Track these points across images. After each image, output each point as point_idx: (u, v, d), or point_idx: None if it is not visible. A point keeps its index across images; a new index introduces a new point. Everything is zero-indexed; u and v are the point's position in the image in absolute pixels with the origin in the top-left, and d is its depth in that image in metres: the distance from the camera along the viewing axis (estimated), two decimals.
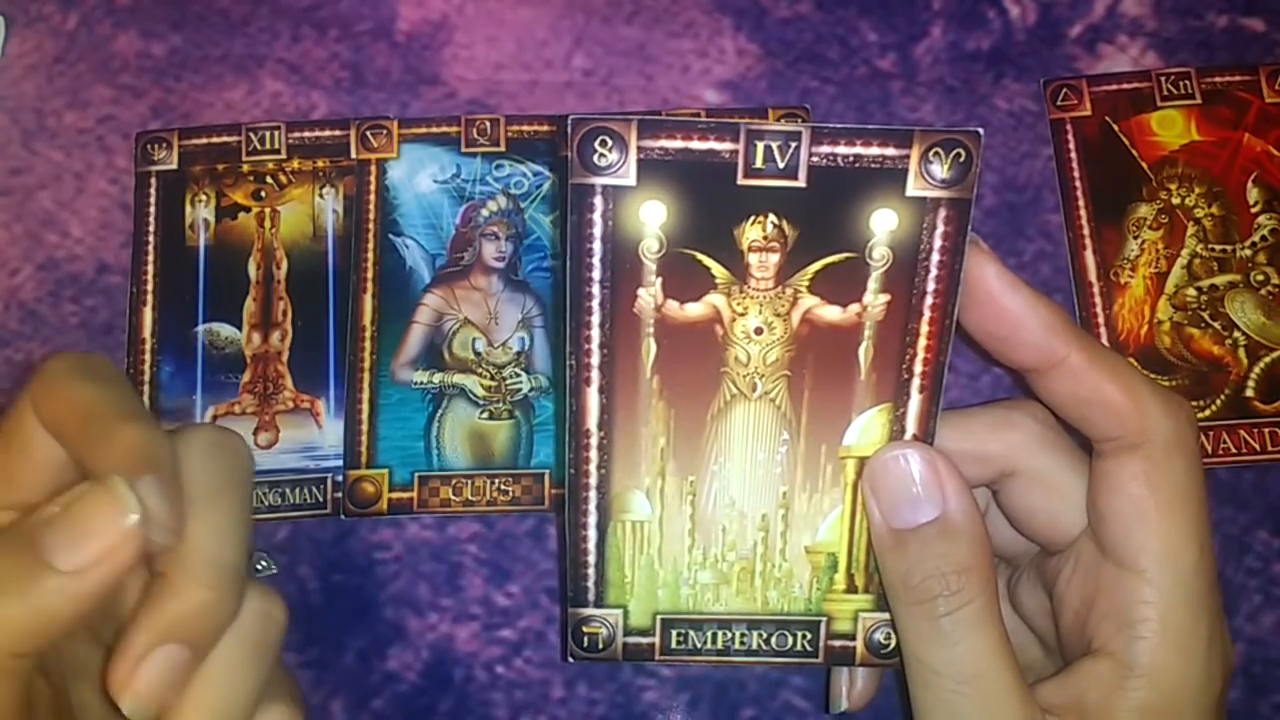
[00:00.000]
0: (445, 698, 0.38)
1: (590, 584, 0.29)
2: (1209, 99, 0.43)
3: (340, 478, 0.39)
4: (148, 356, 0.41)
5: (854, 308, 0.27)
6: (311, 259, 0.42)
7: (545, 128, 0.43)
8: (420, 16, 0.45)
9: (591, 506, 0.29)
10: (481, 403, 0.40)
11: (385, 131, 0.43)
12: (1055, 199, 0.42)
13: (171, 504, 0.23)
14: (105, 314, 0.42)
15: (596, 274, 0.27)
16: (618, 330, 0.27)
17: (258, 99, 0.44)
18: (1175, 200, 0.42)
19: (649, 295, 0.27)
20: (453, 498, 0.39)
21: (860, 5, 0.45)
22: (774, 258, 0.27)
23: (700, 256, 0.27)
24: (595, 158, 0.26)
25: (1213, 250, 0.41)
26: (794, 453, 0.29)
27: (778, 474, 0.29)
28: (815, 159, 0.26)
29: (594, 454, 0.28)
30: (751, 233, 0.27)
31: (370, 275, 0.41)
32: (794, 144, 0.26)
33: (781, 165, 0.26)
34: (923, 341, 0.27)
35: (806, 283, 0.27)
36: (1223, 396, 0.40)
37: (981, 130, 0.26)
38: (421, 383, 0.40)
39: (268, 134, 0.43)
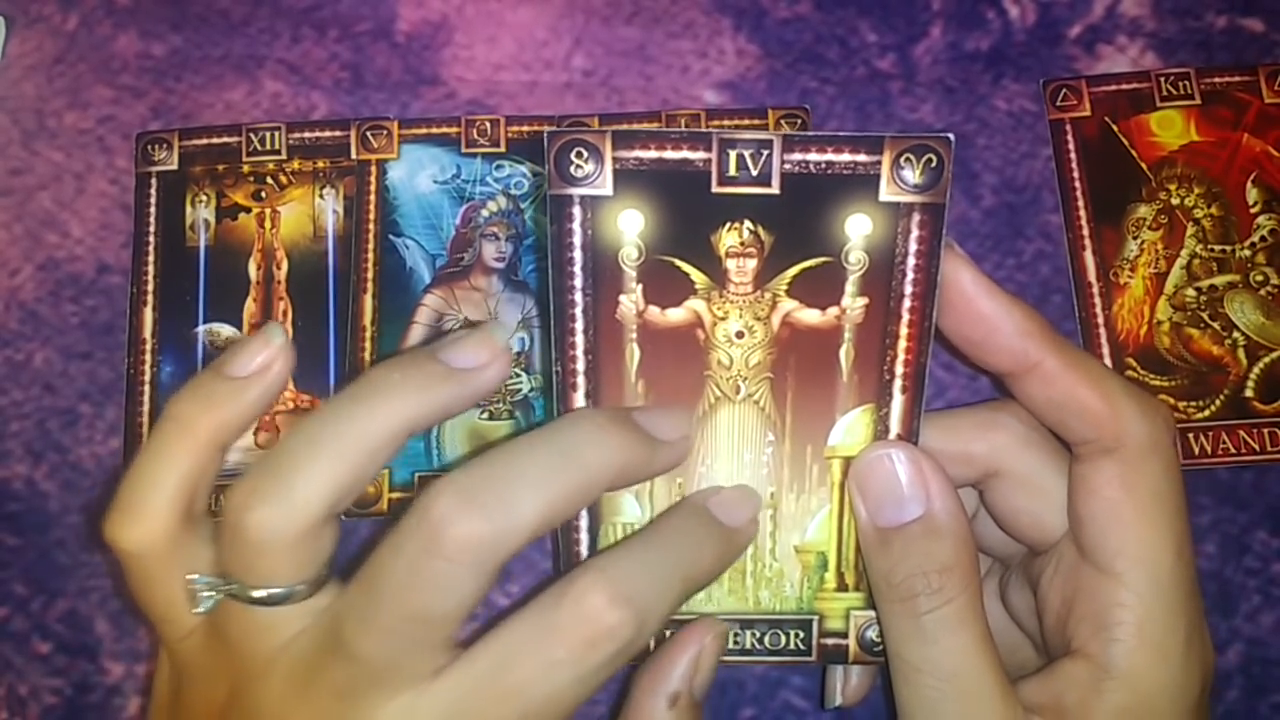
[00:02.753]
0: None
1: None
2: (1208, 99, 0.43)
3: None
4: (148, 357, 0.41)
5: (833, 311, 0.28)
6: (312, 259, 0.42)
7: (545, 129, 0.43)
8: (420, 17, 0.45)
9: (583, 510, 0.29)
10: (482, 403, 0.40)
11: (385, 132, 0.43)
12: (1054, 199, 0.42)
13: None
14: (105, 314, 0.42)
15: (578, 281, 0.27)
16: (601, 336, 0.28)
17: (258, 99, 0.44)
18: (1174, 201, 0.42)
19: (630, 301, 0.28)
20: None
21: (859, 6, 0.45)
22: (751, 263, 0.28)
23: (679, 263, 0.28)
24: (572, 169, 0.26)
25: (1212, 251, 0.41)
26: (780, 453, 0.29)
27: (764, 475, 0.29)
28: (788, 166, 0.26)
29: None
30: (728, 239, 0.27)
31: (370, 276, 0.41)
32: (766, 152, 0.26)
33: (755, 173, 0.26)
34: (902, 343, 0.28)
35: (785, 287, 0.28)
36: (1222, 397, 0.40)
37: (952, 136, 0.26)
38: None
39: (268, 134, 0.43)
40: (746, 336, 0.28)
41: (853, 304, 0.28)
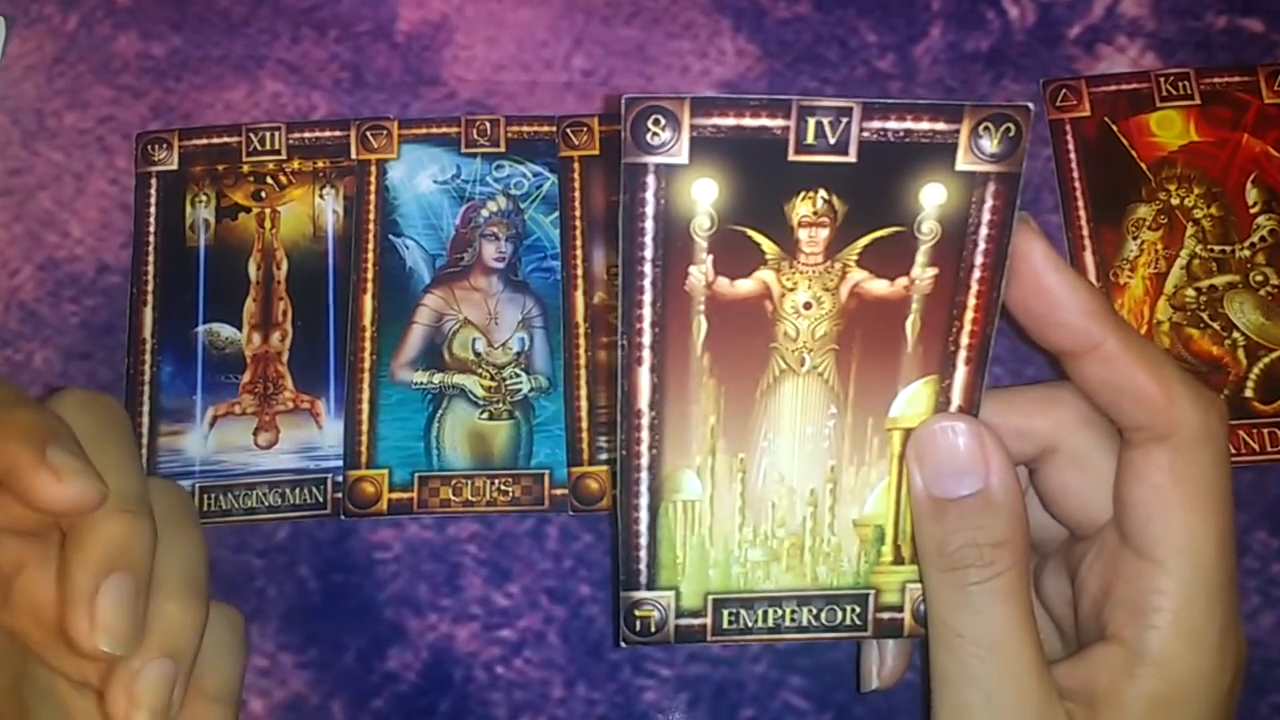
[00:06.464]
0: (445, 698, 0.38)
1: (642, 566, 0.29)
2: (1208, 99, 0.43)
3: (340, 478, 0.40)
4: (148, 357, 0.41)
5: (902, 281, 0.27)
6: (311, 259, 0.42)
7: (545, 128, 0.43)
8: (420, 17, 0.45)
9: (643, 488, 0.29)
10: (481, 403, 0.40)
11: (385, 132, 0.43)
12: (1054, 199, 0.42)
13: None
14: (105, 314, 0.42)
15: (649, 253, 0.27)
16: (669, 309, 0.27)
17: (258, 99, 0.44)
18: (1174, 201, 0.42)
19: (700, 273, 0.27)
20: (452, 498, 0.39)
21: (859, 6, 0.45)
22: (823, 233, 0.27)
23: (751, 233, 0.27)
24: (648, 136, 0.26)
25: (1212, 251, 0.42)
26: (842, 426, 0.29)
27: (826, 448, 0.29)
28: (866, 134, 0.26)
29: (645, 434, 0.28)
30: (802, 208, 0.27)
31: (370, 275, 0.41)
32: (845, 119, 0.26)
33: (832, 141, 0.26)
34: (969, 314, 0.27)
35: (855, 257, 0.27)
36: (1222, 397, 0.40)
37: (1032, 105, 0.26)
38: (421, 383, 0.41)
39: (268, 134, 0.43)
40: (814, 307, 0.28)
41: (922, 274, 0.27)
